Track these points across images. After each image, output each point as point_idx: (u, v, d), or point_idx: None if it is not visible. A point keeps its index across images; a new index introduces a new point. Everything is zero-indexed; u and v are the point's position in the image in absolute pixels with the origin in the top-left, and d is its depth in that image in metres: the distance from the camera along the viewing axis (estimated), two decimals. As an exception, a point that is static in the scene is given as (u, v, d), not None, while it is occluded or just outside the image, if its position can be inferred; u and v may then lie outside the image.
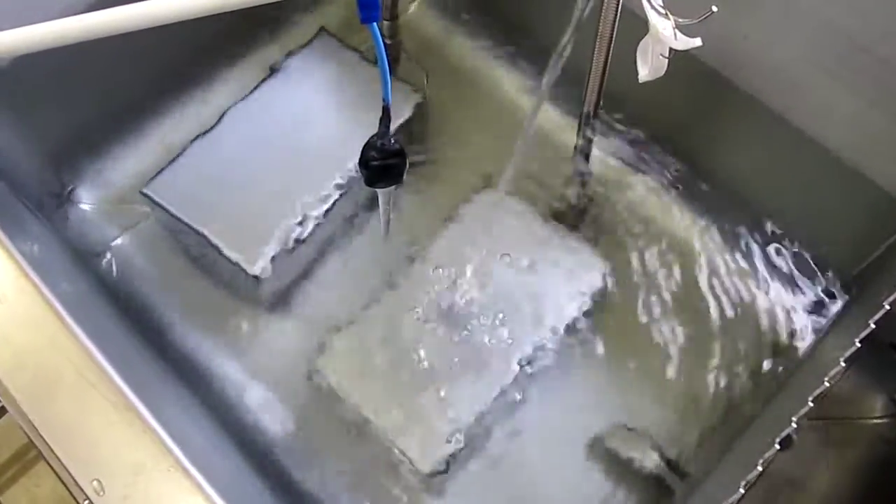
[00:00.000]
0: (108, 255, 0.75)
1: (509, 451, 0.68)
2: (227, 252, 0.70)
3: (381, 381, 0.67)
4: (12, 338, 0.49)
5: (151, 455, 0.47)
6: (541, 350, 0.68)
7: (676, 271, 0.74)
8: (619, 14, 0.57)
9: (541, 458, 0.68)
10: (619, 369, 0.71)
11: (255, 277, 0.69)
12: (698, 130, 0.79)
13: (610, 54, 0.61)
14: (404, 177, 0.50)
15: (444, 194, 0.77)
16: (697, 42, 0.52)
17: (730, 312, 0.72)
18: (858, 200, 0.71)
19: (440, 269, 0.71)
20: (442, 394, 0.67)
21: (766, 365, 0.70)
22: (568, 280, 0.71)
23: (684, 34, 0.52)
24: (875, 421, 0.60)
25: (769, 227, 0.75)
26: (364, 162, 0.48)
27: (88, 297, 0.66)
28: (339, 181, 0.72)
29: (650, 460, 0.67)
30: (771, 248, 0.74)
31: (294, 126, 0.75)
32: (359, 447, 0.68)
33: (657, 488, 0.67)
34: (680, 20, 0.52)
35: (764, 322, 0.72)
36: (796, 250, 0.74)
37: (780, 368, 0.69)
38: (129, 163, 0.78)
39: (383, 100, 0.45)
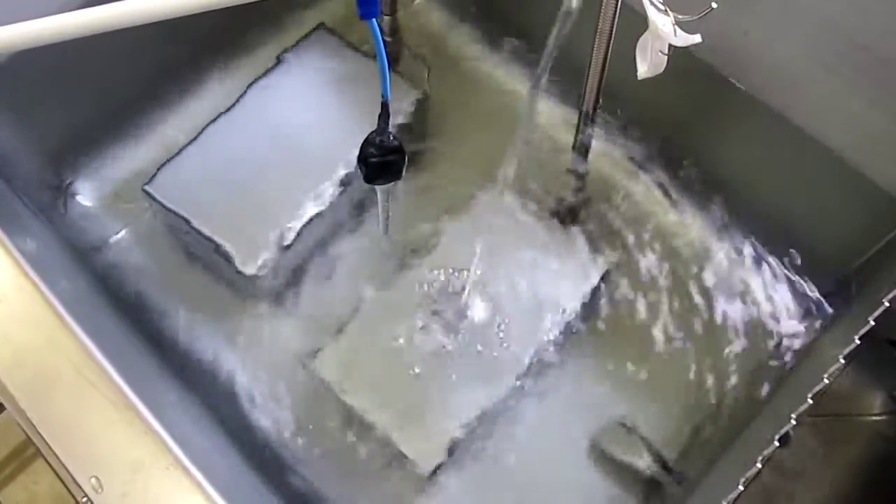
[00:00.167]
0: (107, 253, 0.75)
1: (508, 450, 0.68)
2: (225, 249, 0.70)
3: (379, 380, 0.67)
4: (11, 335, 0.49)
5: (150, 453, 0.47)
6: (539, 349, 0.68)
7: (674, 270, 0.74)
8: (618, 11, 0.57)
9: (539, 457, 0.68)
10: (618, 369, 0.71)
11: (254, 275, 0.69)
12: (697, 128, 0.79)
13: (609, 51, 0.61)
14: (403, 174, 0.49)
15: (444, 191, 0.77)
16: (697, 38, 0.52)
17: (728, 311, 0.72)
18: (857, 198, 0.71)
19: (439, 268, 0.71)
20: (440, 393, 0.67)
21: (765, 363, 0.70)
22: (567, 279, 0.71)
23: (684, 31, 0.52)
24: (874, 418, 0.60)
25: (768, 225, 0.75)
26: (363, 159, 0.48)
27: (87, 294, 0.66)
28: (338, 178, 0.72)
29: (647, 460, 0.67)
30: (770, 247, 0.74)
31: (293, 123, 0.75)
32: (358, 446, 0.68)
33: (655, 488, 0.67)
34: (679, 16, 0.51)
35: (763, 320, 0.71)
36: (795, 248, 0.74)
37: (779, 366, 0.69)
38: (127, 160, 0.78)
39: (382, 96, 0.45)
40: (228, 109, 0.75)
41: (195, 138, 0.74)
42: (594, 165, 0.79)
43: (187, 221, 0.70)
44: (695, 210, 0.77)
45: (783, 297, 0.72)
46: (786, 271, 0.73)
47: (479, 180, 0.76)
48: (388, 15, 0.80)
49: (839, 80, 0.65)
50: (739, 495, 0.47)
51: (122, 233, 0.76)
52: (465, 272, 0.71)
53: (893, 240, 0.68)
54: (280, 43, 0.83)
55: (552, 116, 0.80)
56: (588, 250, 0.72)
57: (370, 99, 0.47)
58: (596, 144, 0.77)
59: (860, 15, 0.61)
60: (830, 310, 0.70)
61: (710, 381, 0.70)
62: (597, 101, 0.68)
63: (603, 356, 0.71)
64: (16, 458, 0.94)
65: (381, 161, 0.48)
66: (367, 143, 0.48)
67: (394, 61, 0.83)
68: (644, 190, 0.78)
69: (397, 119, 0.74)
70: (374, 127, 0.47)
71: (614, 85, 0.65)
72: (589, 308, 0.71)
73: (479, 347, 0.68)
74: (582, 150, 0.77)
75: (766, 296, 0.73)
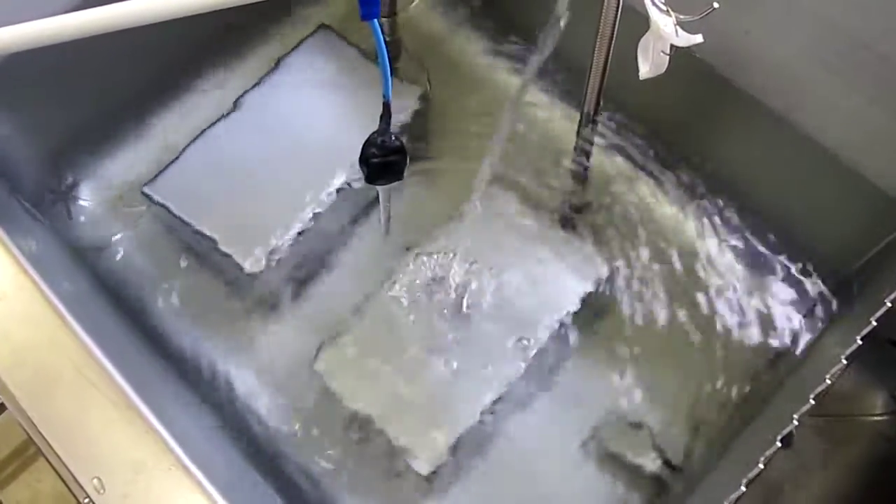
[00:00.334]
0: (107, 253, 0.75)
1: (509, 449, 0.68)
2: (226, 250, 0.70)
3: (380, 380, 0.67)
4: (12, 335, 0.49)
5: (152, 453, 0.47)
6: (540, 348, 0.68)
7: (675, 270, 0.74)
8: (619, 12, 0.57)
9: (540, 456, 0.68)
10: (618, 368, 0.71)
11: (255, 275, 0.69)
12: (698, 128, 0.79)
13: (610, 52, 0.61)
14: (405, 174, 0.49)
15: (445, 192, 0.77)
16: (699, 39, 0.52)
17: (729, 311, 0.72)
18: (858, 198, 0.71)
19: (440, 268, 0.71)
20: (442, 393, 0.66)
21: (766, 363, 0.70)
22: (568, 278, 0.71)
23: (685, 31, 0.52)
24: (876, 418, 0.60)
25: (769, 225, 0.75)
26: (364, 159, 0.48)
27: (88, 294, 0.66)
28: (340, 178, 0.72)
29: (649, 459, 0.67)
30: (770, 247, 0.74)
31: (294, 123, 0.75)
32: (359, 446, 0.67)
33: (657, 486, 0.67)
34: (681, 17, 0.51)
35: (764, 320, 0.71)
36: (796, 248, 0.74)
37: (780, 366, 0.69)
38: (128, 160, 0.78)
39: (384, 96, 0.45)
40: (229, 110, 0.75)
41: (196, 139, 0.74)
42: (595, 165, 0.79)
43: (188, 223, 0.70)
44: (694, 210, 0.77)
45: (785, 297, 0.72)
46: (787, 271, 0.73)
47: (479, 180, 0.76)
48: (386, 17, 0.80)
49: (839, 78, 0.65)
50: (742, 495, 0.47)
51: (123, 233, 0.76)
52: (467, 272, 0.71)
53: (894, 240, 0.68)
54: (281, 44, 0.83)
55: (554, 116, 0.80)
56: (589, 250, 0.72)
57: (371, 99, 0.47)
58: (597, 144, 0.77)
59: (860, 14, 0.61)
60: (831, 310, 0.70)
61: (710, 381, 0.70)
62: (598, 101, 0.68)
63: (603, 355, 0.71)
64: (18, 456, 0.94)
65: (383, 161, 0.48)
66: (368, 144, 0.48)
67: (393, 62, 0.83)
68: (644, 190, 0.78)
69: (398, 119, 0.74)
70: (376, 127, 0.47)
71: (615, 85, 0.65)
72: (589, 307, 0.70)
73: (481, 347, 0.68)
74: (583, 150, 0.77)
75: (767, 296, 0.73)
